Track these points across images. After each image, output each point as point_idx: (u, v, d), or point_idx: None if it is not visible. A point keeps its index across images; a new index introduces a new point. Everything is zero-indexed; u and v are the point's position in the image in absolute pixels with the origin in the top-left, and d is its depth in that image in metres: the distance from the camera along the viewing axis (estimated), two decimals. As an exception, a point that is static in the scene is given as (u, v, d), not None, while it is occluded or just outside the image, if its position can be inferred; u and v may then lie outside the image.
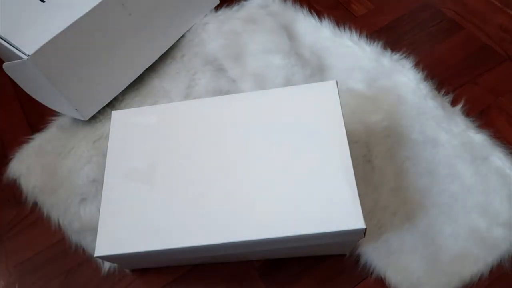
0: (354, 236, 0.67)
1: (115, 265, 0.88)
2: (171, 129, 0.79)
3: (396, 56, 1.12)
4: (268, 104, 0.78)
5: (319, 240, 0.66)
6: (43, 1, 0.99)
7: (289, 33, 1.19)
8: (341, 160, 0.68)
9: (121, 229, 0.69)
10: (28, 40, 0.92)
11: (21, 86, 1.07)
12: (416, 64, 1.10)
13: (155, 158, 0.76)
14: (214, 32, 1.21)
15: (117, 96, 1.10)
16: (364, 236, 0.66)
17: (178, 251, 0.68)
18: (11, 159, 1.05)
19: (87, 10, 0.95)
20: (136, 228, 0.69)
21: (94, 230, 0.92)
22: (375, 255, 0.84)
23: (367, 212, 0.88)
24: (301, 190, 0.67)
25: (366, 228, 0.62)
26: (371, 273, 0.83)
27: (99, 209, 0.93)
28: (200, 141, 0.76)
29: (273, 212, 0.65)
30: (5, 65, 0.97)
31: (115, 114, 0.83)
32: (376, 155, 0.95)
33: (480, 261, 0.82)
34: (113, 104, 1.10)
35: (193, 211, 0.69)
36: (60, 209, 0.96)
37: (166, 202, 0.71)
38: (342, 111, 0.73)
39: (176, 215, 0.69)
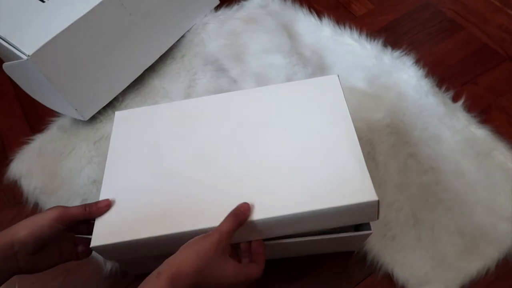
0: (367, 213, 0.65)
1: (117, 265, 0.87)
2: (176, 123, 0.78)
3: (397, 53, 1.12)
4: (272, 97, 0.79)
5: (332, 219, 0.65)
6: (43, 1, 0.99)
7: (290, 33, 1.19)
8: (348, 140, 0.68)
9: (119, 219, 0.67)
10: (28, 40, 0.92)
11: (21, 86, 1.06)
12: (417, 62, 1.10)
13: (159, 150, 0.75)
14: (214, 32, 1.21)
15: (117, 96, 1.10)
16: (377, 218, 0.65)
17: (179, 237, 0.64)
18: (11, 160, 1.04)
19: (87, 10, 0.95)
20: (135, 217, 0.67)
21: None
22: (382, 251, 0.84)
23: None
24: (312, 170, 0.66)
25: (379, 201, 0.61)
26: (379, 269, 0.83)
27: (100, 210, 0.93)
28: (207, 133, 0.76)
29: (283, 192, 0.65)
30: (5, 65, 0.97)
31: (119, 114, 0.83)
32: (379, 152, 0.95)
33: (486, 256, 0.82)
34: (113, 104, 1.10)
35: (197, 197, 0.67)
36: (61, 209, 0.95)
37: (169, 190, 0.69)
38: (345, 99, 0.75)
39: (180, 201, 0.67)
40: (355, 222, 0.69)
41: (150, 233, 0.64)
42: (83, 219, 0.68)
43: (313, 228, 0.68)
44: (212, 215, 0.62)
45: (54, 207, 0.66)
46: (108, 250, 0.67)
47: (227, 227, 0.59)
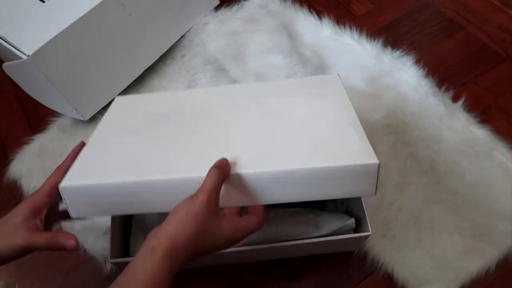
0: (366, 182, 0.61)
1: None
2: (175, 105, 0.77)
3: (397, 53, 1.12)
4: (273, 88, 0.79)
5: (327, 184, 0.61)
6: (43, 1, 0.99)
7: (290, 33, 1.19)
8: (348, 116, 0.67)
9: (97, 166, 0.63)
10: (28, 40, 0.91)
11: (21, 86, 1.06)
12: (417, 62, 1.10)
13: (152, 122, 0.72)
14: (214, 32, 1.21)
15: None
16: (375, 192, 0.61)
17: (158, 186, 0.60)
18: (11, 160, 1.04)
19: (87, 10, 0.95)
20: (115, 168, 0.62)
21: (95, 231, 0.91)
22: (382, 251, 0.84)
23: (373, 209, 0.87)
24: (310, 138, 0.64)
25: (379, 165, 0.58)
26: (379, 269, 0.83)
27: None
28: (205, 111, 0.74)
29: (278, 152, 0.62)
30: (5, 65, 0.97)
31: (118, 98, 0.82)
32: (379, 152, 0.94)
33: (486, 256, 0.82)
34: (113, 104, 1.10)
35: (185, 156, 0.63)
36: (61, 209, 0.95)
37: (156, 148, 0.66)
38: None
39: (167, 157, 0.64)
40: (351, 193, 0.63)
41: (127, 178, 0.59)
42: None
43: (307, 196, 0.62)
44: (199, 167, 0.58)
45: (18, 209, 0.60)
46: (80, 198, 0.61)
47: (212, 182, 0.54)
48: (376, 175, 0.59)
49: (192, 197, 0.53)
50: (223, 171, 0.56)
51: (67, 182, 0.59)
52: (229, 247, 0.56)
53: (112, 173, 0.61)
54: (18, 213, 0.60)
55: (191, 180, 0.57)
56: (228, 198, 0.59)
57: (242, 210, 0.62)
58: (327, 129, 0.65)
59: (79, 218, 0.65)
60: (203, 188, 0.54)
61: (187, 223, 0.51)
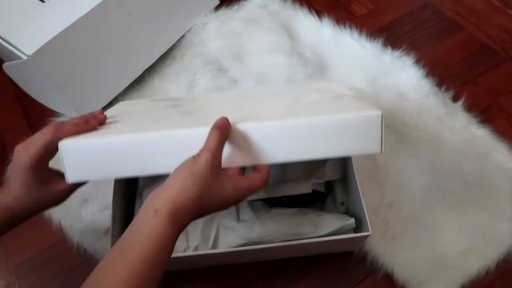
0: (370, 136, 0.59)
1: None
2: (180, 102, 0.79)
3: (397, 53, 1.12)
4: (273, 87, 0.81)
5: (332, 138, 0.59)
6: (43, 1, 0.99)
7: (290, 33, 1.19)
8: (351, 94, 0.68)
9: (98, 132, 0.62)
10: (28, 40, 0.91)
11: (21, 86, 1.06)
12: (417, 62, 1.10)
13: (160, 104, 0.76)
14: (214, 32, 1.21)
15: (117, 96, 1.10)
16: (381, 150, 0.59)
17: (162, 143, 0.59)
18: (11, 160, 1.02)
19: (87, 10, 0.95)
20: (115, 129, 0.63)
21: (95, 231, 0.91)
22: (382, 251, 0.84)
23: (373, 209, 0.88)
24: (317, 104, 0.65)
25: (382, 114, 0.57)
26: (379, 269, 0.83)
27: (100, 210, 0.93)
28: (212, 101, 0.77)
29: (285, 113, 0.62)
30: (5, 65, 0.97)
31: (122, 102, 0.84)
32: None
33: (486, 256, 0.82)
34: (113, 104, 1.09)
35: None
36: (61, 210, 0.93)
37: (162, 117, 0.67)
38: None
39: (171, 119, 0.66)
40: (356, 150, 0.60)
41: (129, 134, 0.59)
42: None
43: (311, 154, 0.60)
44: (199, 124, 0.58)
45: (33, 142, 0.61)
46: (79, 156, 0.59)
47: (215, 142, 0.52)
48: (380, 128, 0.58)
49: (195, 157, 0.52)
50: (224, 130, 0.55)
51: (64, 143, 0.58)
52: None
53: (114, 133, 0.60)
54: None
55: (192, 135, 0.56)
56: (230, 158, 0.59)
57: (244, 171, 0.60)
58: (331, 100, 0.66)
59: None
60: (205, 147, 0.52)
61: (191, 183, 0.50)
